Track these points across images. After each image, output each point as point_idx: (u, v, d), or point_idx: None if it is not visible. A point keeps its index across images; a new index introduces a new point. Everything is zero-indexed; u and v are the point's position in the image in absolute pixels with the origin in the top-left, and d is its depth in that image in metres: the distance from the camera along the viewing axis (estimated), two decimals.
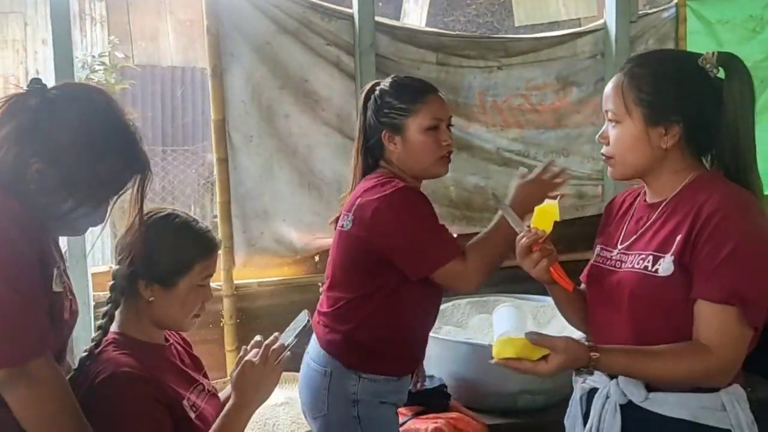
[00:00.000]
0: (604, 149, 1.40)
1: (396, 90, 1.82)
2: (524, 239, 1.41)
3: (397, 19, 5.33)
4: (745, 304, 1.23)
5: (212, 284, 2.92)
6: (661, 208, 1.36)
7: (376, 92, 1.85)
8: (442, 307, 2.73)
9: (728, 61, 1.33)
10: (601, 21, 3.32)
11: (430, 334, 2.41)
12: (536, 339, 1.26)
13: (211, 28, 2.85)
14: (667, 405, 1.30)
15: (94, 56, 5.13)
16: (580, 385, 1.43)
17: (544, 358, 1.26)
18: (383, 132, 1.81)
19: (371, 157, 1.87)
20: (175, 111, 5.69)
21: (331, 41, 3.01)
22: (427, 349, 2.16)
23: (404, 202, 1.73)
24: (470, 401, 2.34)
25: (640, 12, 3.32)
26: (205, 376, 1.56)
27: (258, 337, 1.50)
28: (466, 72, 3.20)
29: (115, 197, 1.30)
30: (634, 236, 1.38)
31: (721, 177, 1.34)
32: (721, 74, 1.36)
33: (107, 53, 5.18)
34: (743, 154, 1.33)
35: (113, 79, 5.02)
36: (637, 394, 1.32)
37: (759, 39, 3.43)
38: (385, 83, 1.86)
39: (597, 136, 1.42)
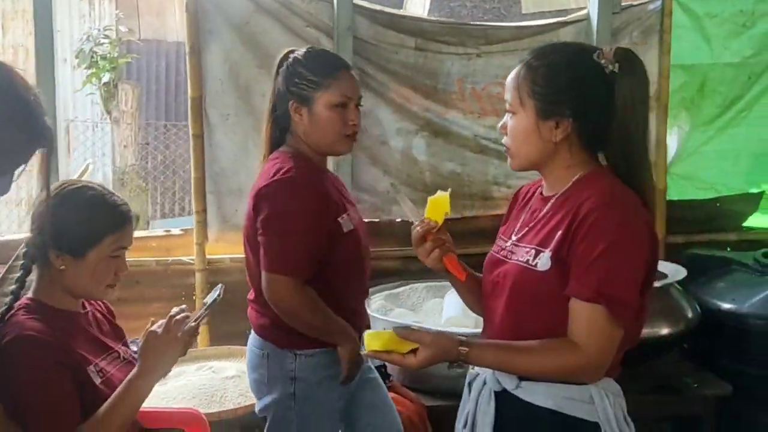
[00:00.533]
0: (503, 140, 1.42)
1: (309, 61, 1.81)
2: (417, 228, 1.44)
3: (401, 3, 5.32)
4: (612, 304, 1.24)
5: (185, 258, 3.10)
6: (551, 202, 1.37)
7: (290, 60, 1.83)
8: (398, 290, 2.80)
9: (624, 57, 1.32)
10: (584, 11, 3.29)
11: (378, 315, 2.48)
12: (403, 333, 1.29)
13: (189, 5, 2.90)
14: (537, 394, 1.33)
15: (99, 29, 5.21)
16: (470, 370, 1.46)
17: (414, 351, 1.28)
18: (291, 102, 1.80)
19: (278, 127, 1.86)
20: (179, 86, 5.77)
21: (310, 23, 3.04)
22: (373, 329, 2.19)
23: (283, 194, 1.74)
24: (413, 382, 2.38)
25: (625, 3, 3.28)
26: (125, 345, 1.62)
27: (174, 309, 1.56)
28: (445, 58, 3.20)
29: (19, 168, 1.34)
30: (527, 229, 1.40)
31: (608, 174, 1.34)
32: None
33: (112, 26, 5.26)
34: (633, 151, 1.32)
35: (117, 53, 5.11)
36: (509, 382, 1.36)
37: (749, 34, 3.37)
38: (300, 52, 1.84)
39: (498, 125, 1.44)
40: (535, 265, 1.32)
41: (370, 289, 2.78)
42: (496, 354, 1.31)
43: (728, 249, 3.36)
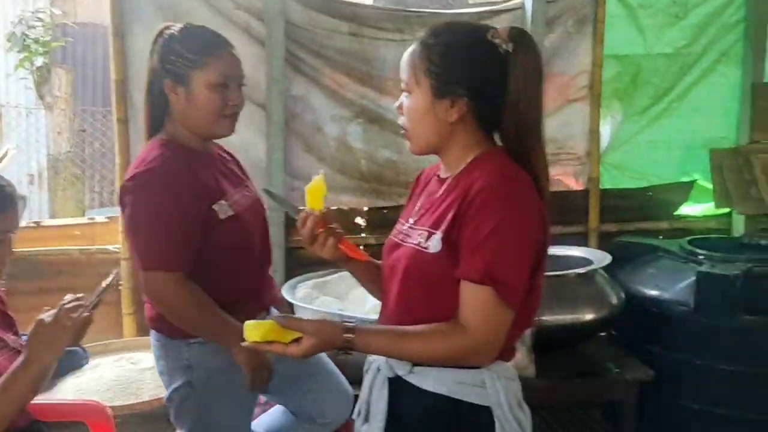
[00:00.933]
0: (400, 120, 1.39)
1: (185, 38, 1.74)
2: (307, 224, 1.39)
3: None
4: (499, 285, 1.22)
5: (110, 247, 3.01)
6: (446, 184, 1.35)
7: (165, 36, 1.75)
8: (327, 278, 2.76)
9: (517, 36, 1.30)
10: (520, 0, 3.28)
11: (302, 304, 2.43)
12: (284, 322, 1.25)
13: None
14: (429, 379, 1.30)
15: (32, 12, 5.02)
16: (367, 357, 1.43)
17: (298, 340, 1.24)
18: (166, 80, 1.73)
19: (157, 108, 1.79)
20: None
21: (240, 5, 2.98)
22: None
23: (143, 188, 1.68)
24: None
25: None
26: (16, 334, 1.55)
27: (68, 297, 1.49)
28: (380, 44, 3.17)
29: None
30: (423, 211, 1.37)
31: (502, 155, 1.32)
32: None
33: (46, 9, 5.08)
34: (526, 131, 1.30)
35: (50, 36, 4.94)
36: (402, 368, 1.33)
37: (681, 25, 3.42)
38: (176, 28, 1.76)
39: (395, 105, 1.41)
40: (427, 248, 1.29)
41: (298, 278, 2.76)
42: (382, 340, 1.27)
43: (660, 237, 3.42)
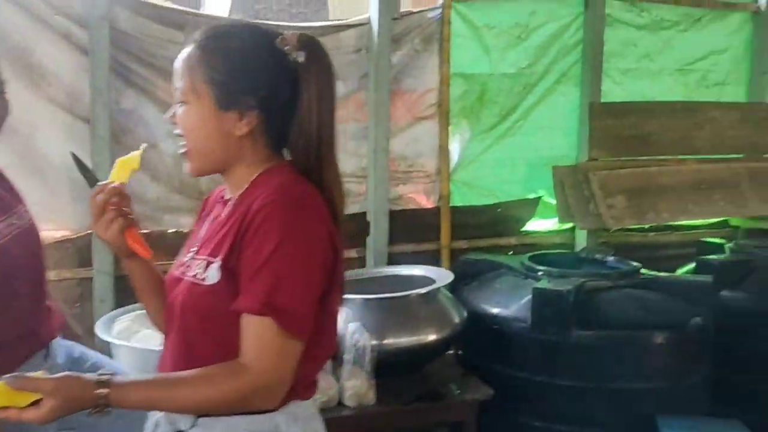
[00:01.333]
0: (176, 130, 1.24)
1: None
2: (99, 195, 1.22)
3: (197, 4, 5.05)
4: (280, 314, 1.09)
5: None
6: (229, 206, 1.22)
7: None
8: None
9: (308, 44, 1.20)
10: (367, 15, 3.24)
11: (117, 341, 2.20)
12: (15, 383, 1.05)
13: None
14: (216, 431, 1.16)
15: None
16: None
17: (37, 402, 1.05)
18: None
19: None
20: None
21: (60, 10, 2.72)
22: (119, 358, 1.92)
23: None
24: None
25: (405, 10, 3.28)
26: None
27: None
28: None
29: None
30: (205, 239, 1.24)
31: (288, 170, 1.21)
32: None
33: None
34: (317, 146, 1.19)
35: None
36: (184, 421, 1.17)
37: (524, 46, 3.50)
38: None
39: (165, 116, 1.26)
40: (204, 279, 1.15)
41: (120, 310, 2.51)
42: (144, 392, 1.10)
43: (510, 253, 3.46)
